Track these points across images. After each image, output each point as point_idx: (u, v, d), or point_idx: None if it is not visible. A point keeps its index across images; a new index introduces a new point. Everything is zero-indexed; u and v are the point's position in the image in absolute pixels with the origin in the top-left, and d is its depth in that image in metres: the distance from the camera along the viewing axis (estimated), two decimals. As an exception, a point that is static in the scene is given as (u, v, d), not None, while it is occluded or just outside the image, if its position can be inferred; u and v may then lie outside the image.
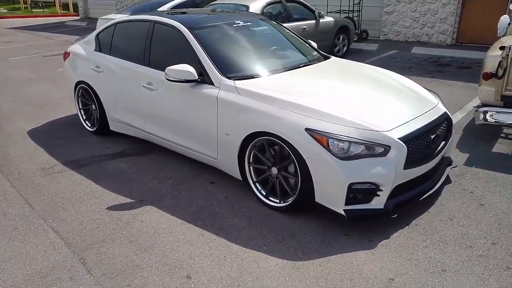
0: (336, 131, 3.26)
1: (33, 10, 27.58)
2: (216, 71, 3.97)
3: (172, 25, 4.47)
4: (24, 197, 4.01)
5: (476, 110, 5.10)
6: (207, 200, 3.91)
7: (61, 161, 4.79)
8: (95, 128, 5.53)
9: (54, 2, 27.51)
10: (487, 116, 5.03)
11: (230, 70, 4.04)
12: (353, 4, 12.19)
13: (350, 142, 3.22)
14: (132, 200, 3.92)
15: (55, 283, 2.88)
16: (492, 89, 5.06)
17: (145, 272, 2.97)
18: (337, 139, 3.23)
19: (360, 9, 12.26)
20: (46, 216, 3.68)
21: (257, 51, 4.51)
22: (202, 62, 4.06)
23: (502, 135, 5.35)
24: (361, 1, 12.15)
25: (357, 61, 4.97)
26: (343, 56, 10.07)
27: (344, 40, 10.25)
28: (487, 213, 3.64)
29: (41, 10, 27.83)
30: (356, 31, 11.97)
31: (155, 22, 4.67)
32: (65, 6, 27.15)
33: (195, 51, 4.15)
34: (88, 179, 4.34)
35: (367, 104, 3.64)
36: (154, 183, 4.25)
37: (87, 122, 5.70)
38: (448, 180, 4.17)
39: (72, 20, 20.94)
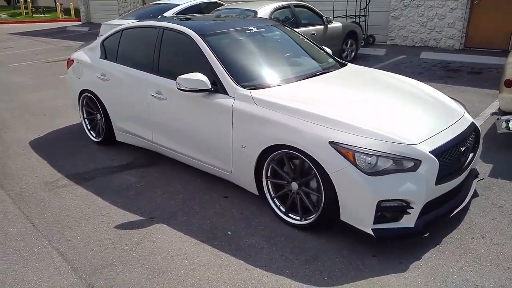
0: (363, 144, 3.03)
1: (34, 16, 27.40)
2: (231, 80, 3.74)
3: (182, 32, 4.24)
4: (26, 215, 3.78)
5: (498, 119, 4.89)
6: (221, 216, 3.67)
7: (65, 174, 4.55)
8: (100, 139, 5.30)
9: (56, 7, 27.34)
10: (510, 125, 4.82)
11: (245, 78, 3.82)
12: (360, 9, 11.98)
13: (378, 156, 2.99)
14: (142, 218, 3.68)
15: (62, 313, 2.64)
16: (515, 96, 4.85)
17: (160, 300, 2.74)
18: (364, 153, 2.99)
19: (367, 14, 12.05)
20: (50, 237, 3.44)
21: (272, 59, 4.28)
22: (215, 71, 3.84)
23: (525, 144, 5.13)
24: (367, 6, 11.94)
25: (366, 67, 4.74)
26: (351, 61, 9.86)
27: (352, 46, 10.04)
28: (521, 230, 3.41)
29: (42, 15, 27.65)
30: (363, 36, 11.77)
31: (164, 28, 4.45)
32: (66, 11, 26.99)
33: (207, 59, 3.92)
34: (94, 194, 4.11)
35: (392, 115, 3.41)
36: (164, 198, 4.01)
37: (91, 132, 5.47)
38: (475, 194, 3.94)
39: (73, 25, 20.74)
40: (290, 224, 3.49)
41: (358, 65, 4.79)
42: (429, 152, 3.07)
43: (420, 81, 6.85)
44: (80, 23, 22.17)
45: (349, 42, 9.90)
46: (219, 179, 4.18)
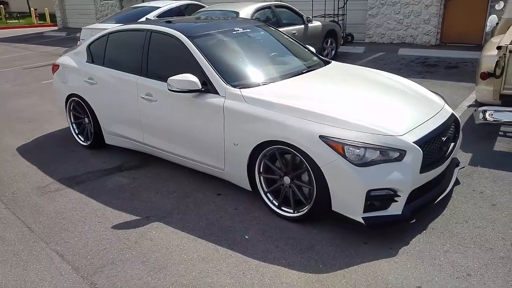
0: (351, 137, 3.18)
1: (7, 22, 26.95)
2: (221, 80, 3.85)
3: (170, 34, 4.33)
4: (22, 219, 3.81)
5: (475, 110, 5.10)
6: (216, 213, 3.77)
7: (57, 178, 4.59)
8: (89, 142, 5.34)
9: (30, 12, 26.95)
10: (487, 115, 5.02)
11: (235, 78, 3.93)
12: (338, 8, 12.20)
13: (366, 148, 3.14)
14: (138, 217, 3.76)
15: (68, 311, 2.71)
16: (490, 88, 5.07)
17: (163, 294, 2.83)
18: (353, 145, 3.14)
19: (345, 13, 12.28)
20: (48, 239, 3.49)
21: (259, 58, 4.40)
22: (205, 71, 3.94)
23: (501, 133, 5.35)
24: (345, 5, 12.17)
25: (349, 64, 4.91)
26: (332, 59, 10.03)
27: (332, 44, 10.23)
28: (500, 213, 3.59)
29: (16, 21, 27.22)
30: (342, 34, 11.98)
31: (152, 31, 4.53)
32: (41, 17, 26.62)
33: (197, 60, 4.02)
34: (88, 197, 4.16)
35: (377, 108, 3.57)
36: (158, 197, 4.09)
37: (80, 136, 5.50)
38: (457, 181, 4.12)
39: (50, 31, 20.53)
40: (283, 217, 3.61)
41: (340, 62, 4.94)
42: (413, 142, 3.23)
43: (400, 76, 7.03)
44: (56, 28, 21.94)
45: (329, 40, 10.10)
46: (212, 177, 4.28)
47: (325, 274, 2.95)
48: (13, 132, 6.14)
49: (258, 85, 3.88)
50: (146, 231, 3.55)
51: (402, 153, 3.18)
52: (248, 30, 4.66)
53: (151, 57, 4.45)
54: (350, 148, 3.14)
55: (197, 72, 3.94)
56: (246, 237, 3.36)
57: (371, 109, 3.52)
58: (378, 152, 3.16)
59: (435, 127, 3.48)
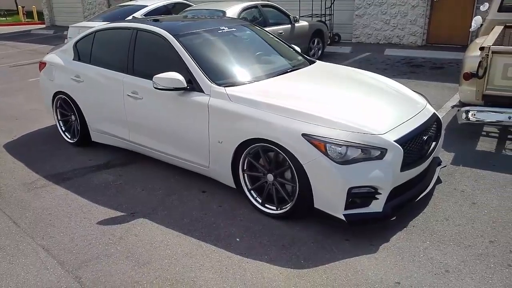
0: (333, 135, 3.24)
1: (-6, 19, 26.66)
2: (206, 78, 3.89)
3: (156, 33, 4.36)
4: (8, 214, 3.83)
5: (458, 110, 5.19)
6: (200, 210, 3.82)
7: (43, 175, 4.60)
8: (75, 140, 5.35)
9: (17, 10, 26.71)
10: (469, 115, 5.12)
11: (220, 77, 3.97)
12: (325, 8, 12.29)
13: (347, 146, 3.20)
14: (123, 213, 3.79)
15: (52, 305, 2.74)
16: (473, 88, 5.15)
17: (146, 289, 2.87)
18: (335, 143, 3.20)
19: (332, 13, 12.37)
20: (34, 234, 3.51)
21: (244, 57, 4.45)
22: (191, 70, 3.98)
23: (483, 133, 5.46)
24: (332, 5, 12.26)
25: (334, 64, 4.98)
26: (318, 59, 10.10)
27: (318, 44, 10.32)
28: (480, 211, 3.68)
29: (3, 18, 26.94)
30: (329, 34, 12.06)
31: (138, 29, 4.56)
32: (29, 14, 26.38)
33: (182, 59, 4.06)
34: (74, 193, 4.18)
35: (360, 107, 3.64)
36: (144, 194, 4.13)
37: (66, 133, 5.51)
38: (438, 180, 4.21)
39: (38, 29, 20.38)
40: (267, 214, 3.67)
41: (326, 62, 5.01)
42: (394, 141, 3.30)
43: (385, 76, 7.14)
44: (44, 26, 21.77)
45: (316, 40, 10.17)
46: (197, 175, 4.32)
47: (306, 270, 3.01)
48: (0, 129, 6.11)
49: (243, 83, 3.93)
50: (131, 227, 3.58)
51: (383, 152, 3.25)
52: (234, 29, 4.71)
53: (137, 55, 4.48)
54: (332, 146, 3.20)
55: (183, 71, 3.98)
56: (238, 240, 3.39)
57: (354, 108, 3.59)
58: (359, 150, 3.22)
59: (416, 126, 3.56)
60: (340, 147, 3.20)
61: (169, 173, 4.53)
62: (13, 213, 3.84)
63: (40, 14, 23.63)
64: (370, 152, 3.24)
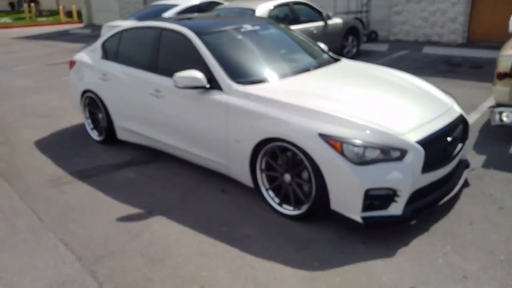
0: (351, 135, 3.17)
1: (37, 19, 27.67)
2: (225, 77, 3.89)
3: (180, 32, 4.39)
4: (33, 209, 3.94)
5: (491, 111, 4.99)
6: (218, 209, 3.81)
7: (69, 171, 4.71)
8: (102, 137, 5.46)
9: (58, 10, 27.60)
10: (503, 117, 4.91)
11: (240, 75, 3.96)
12: (361, 5, 12.05)
13: (365, 146, 3.12)
14: (142, 211, 3.84)
15: (66, 299, 2.80)
16: (506, 88, 4.97)
17: (158, 286, 2.88)
18: (352, 143, 3.13)
19: (369, 10, 12.12)
20: (56, 229, 3.60)
21: (266, 55, 4.42)
22: (211, 68, 3.98)
23: (519, 135, 5.23)
24: (369, 1, 12.01)
25: (368, 62, 4.87)
26: (353, 57, 9.97)
27: (353, 41, 10.12)
28: (507, 217, 3.52)
29: (45, 18, 27.93)
30: (365, 32, 11.85)
31: (163, 28, 4.60)
32: (69, 14, 27.23)
33: (203, 57, 4.07)
34: (97, 190, 4.26)
35: (381, 107, 3.54)
36: (163, 192, 4.16)
37: (94, 131, 5.63)
38: (466, 184, 4.05)
39: (76, 28, 20.98)
40: (283, 215, 3.63)
41: (361, 60, 4.91)
42: (415, 142, 3.19)
43: (420, 75, 6.99)
44: (82, 25, 22.40)
45: (350, 38, 9.99)
46: (217, 173, 4.32)
47: (319, 272, 2.96)
48: (31, 126, 6.33)
49: (262, 82, 3.90)
50: (148, 224, 3.62)
51: (403, 153, 3.16)
52: (257, 28, 4.68)
53: (161, 54, 4.52)
54: (349, 147, 3.13)
55: (204, 69, 3.99)
56: (253, 240, 3.36)
57: (374, 108, 3.50)
58: (378, 151, 3.14)
59: (439, 127, 3.43)
60: (357, 148, 3.12)
61: (190, 171, 4.55)
62: (38, 209, 3.95)
63: (80, 14, 24.34)
64: (389, 153, 3.15)
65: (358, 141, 3.13)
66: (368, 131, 3.18)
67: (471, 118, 5.77)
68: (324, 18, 9.15)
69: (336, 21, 9.45)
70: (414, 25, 11.96)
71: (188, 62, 4.19)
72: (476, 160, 4.55)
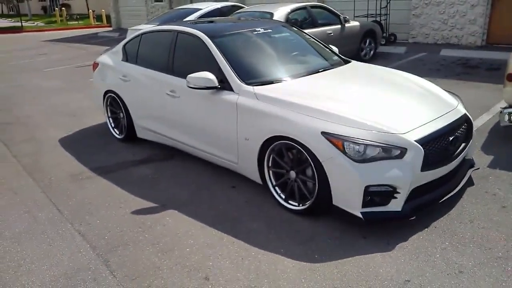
0: (352, 134, 3.29)
1: (68, 23, 28.52)
2: (236, 78, 4.06)
3: (194, 34, 4.60)
4: (53, 202, 4.20)
5: (501, 112, 5.02)
6: (227, 204, 3.99)
7: (90, 167, 4.97)
8: (123, 136, 5.71)
9: (88, 14, 28.37)
10: (512, 118, 4.94)
11: (250, 76, 4.13)
12: (380, 8, 12.10)
13: (366, 145, 3.25)
14: (156, 205, 4.04)
15: (80, 283, 3.01)
16: (517, 90, 4.98)
17: (165, 274, 3.07)
18: (353, 142, 3.25)
19: (388, 13, 12.16)
20: (74, 221, 3.84)
21: (276, 57, 4.58)
22: (223, 70, 4.16)
23: (530, 136, 5.24)
24: (388, 5, 12.05)
25: (384, 64, 4.99)
26: (370, 59, 10.03)
27: (371, 44, 10.20)
28: (509, 215, 3.58)
29: (76, 22, 28.76)
30: (384, 34, 11.88)
31: (179, 32, 4.81)
32: (98, 18, 27.97)
33: (216, 59, 4.26)
34: (115, 185, 4.50)
35: (384, 106, 3.66)
36: (177, 188, 4.36)
37: (115, 129, 5.89)
38: (470, 183, 4.12)
39: (104, 31, 21.56)
40: (289, 210, 3.78)
41: (377, 63, 5.02)
42: (415, 140, 3.30)
43: (436, 77, 7.05)
44: (111, 29, 23.00)
45: (368, 40, 10.07)
46: (228, 170, 4.50)
47: (318, 264, 3.09)
48: (57, 125, 6.65)
49: (272, 83, 4.06)
50: (160, 217, 3.82)
51: (403, 151, 3.26)
52: (270, 31, 4.84)
53: (177, 56, 4.74)
54: (350, 145, 3.26)
55: (216, 70, 4.17)
56: (258, 233, 3.53)
57: (377, 108, 3.62)
58: (379, 149, 3.25)
59: (440, 127, 3.52)
60: (358, 146, 3.25)
61: (204, 168, 4.74)
62: (58, 201, 4.21)
63: (108, 18, 24.99)
64: (390, 151, 3.26)
65: (359, 140, 3.25)
66: (369, 130, 3.31)
67: (483, 119, 5.80)
68: (342, 21, 9.25)
69: (353, 24, 9.54)
70: (433, 27, 11.92)
71: (202, 64, 4.39)
72: (483, 160, 4.60)
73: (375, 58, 10.26)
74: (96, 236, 3.58)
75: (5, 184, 4.67)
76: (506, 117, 4.95)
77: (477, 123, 5.71)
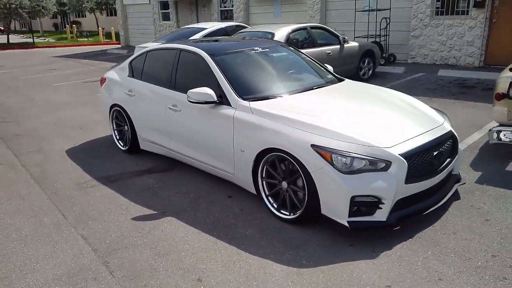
0: (340, 147, 3.51)
1: (78, 39, 29.12)
2: (234, 93, 4.31)
3: (196, 52, 4.86)
4: (59, 208, 4.42)
5: (490, 130, 5.21)
6: (223, 212, 4.20)
7: (94, 177, 5.21)
8: (127, 147, 5.96)
9: (98, 31, 28.98)
10: (501, 136, 5.14)
11: (247, 92, 4.37)
12: (380, 29, 12.42)
13: (352, 157, 3.45)
14: (155, 212, 4.26)
15: (81, 282, 3.21)
16: (504, 109, 5.18)
17: (161, 275, 3.27)
18: (341, 154, 3.47)
19: (387, 34, 12.47)
20: (77, 225, 4.06)
21: (272, 75, 4.84)
22: (221, 86, 4.41)
23: (519, 154, 5.42)
24: (388, 26, 12.36)
25: (382, 84, 5.23)
26: (369, 79, 10.29)
27: (369, 64, 10.47)
28: (491, 228, 3.75)
29: (85, 39, 29.35)
30: (384, 55, 12.16)
31: (181, 50, 5.09)
32: (108, 35, 28.55)
33: (215, 76, 4.51)
34: (117, 193, 4.72)
35: (372, 122, 3.87)
36: (177, 196, 4.58)
37: (120, 141, 6.14)
38: (457, 197, 4.30)
39: (113, 48, 22.04)
40: (281, 219, 3.97)
41: (375, 82, 5.26)
42: (399, 154, 3.50)
43: (432, 96, 7.27)
44: (119, 46, 23.50)
45: (366, 60, 10.34)
46: (225, 181, 4.72)
47: (305, 269, 3.28)
48: (64, 137, 6.92)
49: (267, 98, 4.30)
50: (159, 223, 4.03)
51: (387, 164, 3.47)
52: (267, 50, 5.11)
53: (179, 72, 5.00)
54: (338, 157, 3.47)
55: (215, 86, 4.42)
56: (250, 239, 3.73)
57: (365, 123, 3.83)
58: (365, 161, 3.46)
59: (424, 142, 3.73)
60: (345, 158, 3.46)
61: (203, 179, 4.96)
62: (63, 207, 4.43)
63: (118, 35, 25.54)
64: (375, 163, 3.47)
65: (346, 152, 3.47)
66: (356, 144, 3.52)
67: (474, 137, 6.00)
68: (341, 42, 9.54)
69: (352, 44, 9.82)
70: (432, 48, 12.20)
71: (202, 80, 4.64)
72: (471, 175, 4.78)
73: (374, 78, 10.51)
74: (97, 239, 3.79)
75: (14, 191, 4.90)
76: (495, 135, 5.14)
77: (468, 141, 5.91)
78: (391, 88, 5.11)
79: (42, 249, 3.68)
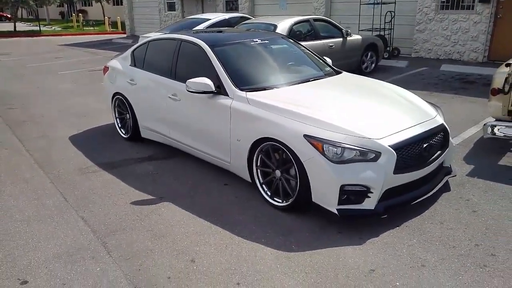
0: (331, 137, 3.63)
1: (84, 28, 29.25)
2: (231, 84, 4.43)
3: (196, 43, 4.98)
4: (61, 191, 4.58)
5: (484, 124, 5.31)
6: (219, 199, 4.34)
7: (96, 162, 5.36)
8: (128, 135, 6.11)
9: (104, 20, 29.09)
10: (495, 130, 5.23)
11: (244, 83, 4.49)
12: (385, 23, 12.46)
13: (343, 147, 3.58)
14: (154, 197, 4.41)
15: (79, 260, 3.37)
16: (500, 104, 5.27)
17: (156, 255, 3.42)
18: (332, 144, 3.59)
19: (392, 27, 12.51)
20: (78, 208, 4.21)
21: (270, 66, 4.95)
22: (219, 76, 4.53)
23: (512, 149, 5.52)
24: (392, 19, 12.40)
25: (384, 77, 5.32)
26: (371, 72, 10.36)
27: (372, 57, 10.53)
28: (478, 219, 3.87)
29: (91, 28, 29.47)
30: (388, 48, 12.21)
31: (182, 40, 5.21)
32: (113, 24, 28.66)
33: (214, 66, 4.63)
34: (118, 179, 4.87)
35: (364, 114, 3.99)
36: (175, 183, 4.72)
37: (122, 129, 6.29)
38: (447, 188, 4.42)
39: (118, 38, 22.15)
40: (274, 206, 4.11)
41: (377, 76, 5.36)
42: (389, 146, 3.62)
43: (432, 91, 7.36)
44: (125, 35, 23.62)
45: (369, 54, 10.40)
46: (222, 169, 4.85)
47: (294, 253, 3.42)
48: (69, 124, 7.08)
49: (264, 89, 4.42)
50: (157, 208, 4.18)
51: (377, 155, 3.59)
52: (266, 42, 5.22)
53: (179, 62, 5.12)
54: (329, 147, 3.59)
55: (213, 76, 4.55)
56: (244, 225, 3.88)
57: (358, 114, 3.95)
58: (355, 152, 3.58)
59: (414, 134, 3.84)
60: (336, 148, 3.58)
61: (201, 167, 5.11)
62: (65, 191, 4.60)
63: (123, 25, 25.64)
64: (366, 154, 3.59)
65: (337, 143, 3.59)
66: (347, 134, 3.64)
67: (470, 132, 6.10)
68: (344, 34, 9.60)
69: (355, 37, 9.89)
70: (436, 43, 12.24)
71: (201, 70, 4.76)
72: (463, 168, 4.90)
73: (376, 71, 10.59)
74: (97, 222, 3.95)
75: (18, 174, 5.07)
76: (489, 130, 5.24)
77: (464, 135, 6.01)
78: (392, 83, 5.21)
79: (43, 229, 3.84)
